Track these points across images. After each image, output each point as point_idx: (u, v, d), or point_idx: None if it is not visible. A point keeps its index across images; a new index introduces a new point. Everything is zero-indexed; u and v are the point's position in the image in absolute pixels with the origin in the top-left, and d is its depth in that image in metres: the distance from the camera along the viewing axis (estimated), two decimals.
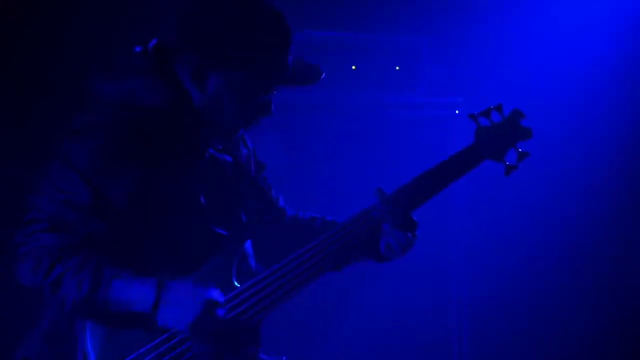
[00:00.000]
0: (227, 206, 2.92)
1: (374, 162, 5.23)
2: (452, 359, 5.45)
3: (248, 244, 2.94)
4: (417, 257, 5.27)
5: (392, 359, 5.43)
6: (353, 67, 5.27)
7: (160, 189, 2.72)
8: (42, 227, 2.62)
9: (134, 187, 2.67)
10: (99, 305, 2.61)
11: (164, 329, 2.65)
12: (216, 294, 2.67)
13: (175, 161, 2.75)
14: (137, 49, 2.84)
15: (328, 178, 5.25)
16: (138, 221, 2.69)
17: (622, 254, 5.69)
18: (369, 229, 2.93)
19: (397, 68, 5.33)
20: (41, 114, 4.28)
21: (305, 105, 5.18)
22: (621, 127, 5.62)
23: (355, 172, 5.21)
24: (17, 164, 4.23)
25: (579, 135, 5.54)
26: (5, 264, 2.71)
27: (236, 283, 2.79)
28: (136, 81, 2.74)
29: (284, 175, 5.00)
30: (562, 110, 5.47)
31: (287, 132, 5.25)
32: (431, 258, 5.46)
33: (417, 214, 3.02)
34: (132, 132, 2.68)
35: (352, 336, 5.40)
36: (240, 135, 3.04)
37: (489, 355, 5.61)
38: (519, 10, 5.39)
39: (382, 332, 5.44)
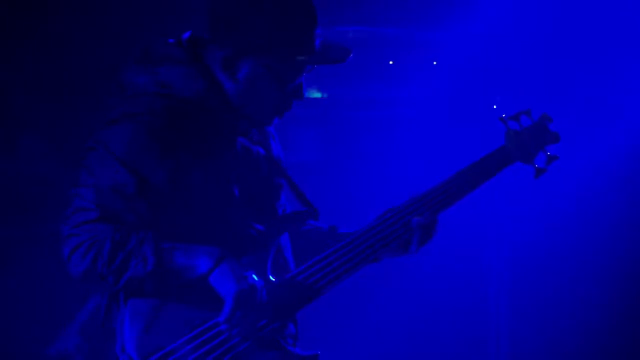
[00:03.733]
0: (261, 199, 2.93)
1: (413, 156, 5.24)
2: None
3: (284, 237, 2.93)
4: (455, 258, 5.32)
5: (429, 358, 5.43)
6: (390, 62, 5.28)
7: (196, 178, 2.73)
8: (92, 217, 2.63)
9: (172, 175, 2.68)
10: (165, 273, 2.62)
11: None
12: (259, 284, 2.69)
13: (209, 150, 2.77)
14: (171, 41, 2.87)
15: (366, 172, 5.27)
16: (175, 212, 2.71)
17: None
18: (399, 229, 2.95)
19: (435, 63, 5.34)
20: (77, 108, 4.30)
21: (343, 101, 5.20)
22: None
23: (393, 166, 5.22)
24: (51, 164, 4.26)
25: (612, 131, 5.51)
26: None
27: (271, 277, 2.77)
28: (171, 71, 2.77)
29: (319, 169, 5.04)
30: (588, 111, 5.45)
31: (324, 127, 5.27)
32: (469, 259, 5.46)
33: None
34: (169, 121, 2.70)
35: (388, 334, 5.40)
36: (272, 133, 3.06)
37: (527, 355, 5.59)
38: (550, 9, 5.38)
39: (420, 331, 5.45)
